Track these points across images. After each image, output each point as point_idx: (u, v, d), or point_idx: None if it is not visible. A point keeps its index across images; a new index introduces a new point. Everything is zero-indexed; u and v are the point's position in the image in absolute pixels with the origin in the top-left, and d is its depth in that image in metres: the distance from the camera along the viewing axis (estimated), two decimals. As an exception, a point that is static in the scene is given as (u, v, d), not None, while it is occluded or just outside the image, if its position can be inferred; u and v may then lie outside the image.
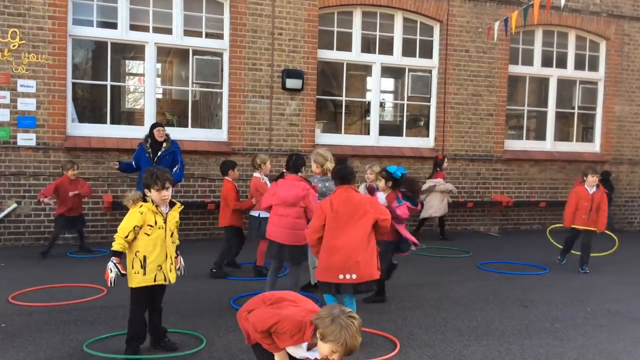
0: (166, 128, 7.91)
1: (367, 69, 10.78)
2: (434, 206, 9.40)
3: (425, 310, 5.58)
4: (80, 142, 8.36)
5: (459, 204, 10.34)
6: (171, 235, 4.19)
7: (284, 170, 5.73)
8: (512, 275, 7.19)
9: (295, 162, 5.66)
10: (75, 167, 7.66)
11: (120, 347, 4.23)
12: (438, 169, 9.65)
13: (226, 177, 6.90)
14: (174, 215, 4.23)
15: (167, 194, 4.09)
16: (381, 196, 5.56)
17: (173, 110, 12.91)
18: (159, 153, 7.64)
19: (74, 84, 8.76)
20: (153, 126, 7.79)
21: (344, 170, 4.75)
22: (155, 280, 4.08)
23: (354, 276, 4.42)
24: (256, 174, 6.79)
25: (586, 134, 12.12)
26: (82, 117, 9.26)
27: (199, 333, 4.61)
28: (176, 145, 7.86)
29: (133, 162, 7.79)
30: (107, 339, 4.49)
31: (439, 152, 10.19)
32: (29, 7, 7.98)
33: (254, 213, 6.62)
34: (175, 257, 4.29)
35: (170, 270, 4.17)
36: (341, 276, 4.42)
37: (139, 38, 8.83)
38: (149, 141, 7.68)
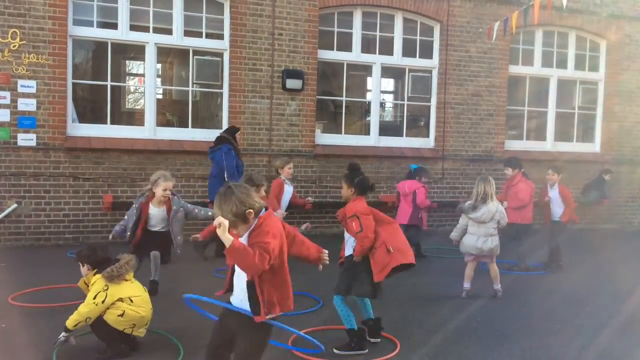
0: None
1: (367, 69, 10.77)
2: None
3: (426, 311, 5.58)
4: (80, 142, 8.36)
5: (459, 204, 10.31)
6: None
7: None
8: (513, 275, 7.19)
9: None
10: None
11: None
12: None
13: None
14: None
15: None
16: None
17: (173, 110, 12.91)
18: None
19: (74, 84, 8.76)
20: (237, 130, 7.98)
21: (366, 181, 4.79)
22: None
23: None
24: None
25: (586, 134, 12.11)
26: (83, 118, 9.25)
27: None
28: None
29: (235, 168, 7.65)
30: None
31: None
32: (29, 8, 7.98)
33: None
34: None
35: None
36: None
37: (139, 38, 8.83)
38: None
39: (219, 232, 2.73)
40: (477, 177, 6.39)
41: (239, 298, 3.03)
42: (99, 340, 4.22)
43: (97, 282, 4.16)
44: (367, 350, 4.48)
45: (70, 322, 4.04)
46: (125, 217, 5.84)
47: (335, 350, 4.44)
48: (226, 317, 3.11)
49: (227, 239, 2.73)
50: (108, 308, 4.10)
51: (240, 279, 3.02)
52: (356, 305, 4.70)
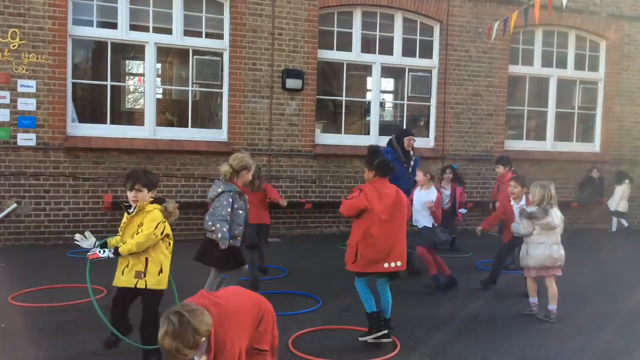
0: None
1: (367, 69, 10.78)
2: None
3: (426, 310, 5.58)
4: (80, 142, 8.36)
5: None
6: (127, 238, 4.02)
7: None
8: (512, 274, 7.19)
9: None
10: None
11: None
12: None
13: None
14: (137, 219, 3.98)
15: (130, 195, 3.97)
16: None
17: (173, 110, 12.92)
18: (412, 163, 7.18)
19: (74, 84, 8.75)
20: (405, 133, 7.25)
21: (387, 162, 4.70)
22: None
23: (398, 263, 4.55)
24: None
25: (586, 134, 12.12)
26: (82, 117, 9.26)
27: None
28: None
29: None
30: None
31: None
32: (29, 7, 7.98)
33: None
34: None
35: (123, 274, 3.99)
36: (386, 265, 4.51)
37: (139, 38, 8.82)
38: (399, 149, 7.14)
39: None
40: (536, 183, 5.61)
41: None
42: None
43: (155, 211, 3.95)
44: (385, 331, 4.49)
45: (124, 250, 3.88)
46: (221, 216, 4.75)
47: (360, 338, 4.55)
48: None
49: None
50: (147, 264, 3.92)
51: None
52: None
